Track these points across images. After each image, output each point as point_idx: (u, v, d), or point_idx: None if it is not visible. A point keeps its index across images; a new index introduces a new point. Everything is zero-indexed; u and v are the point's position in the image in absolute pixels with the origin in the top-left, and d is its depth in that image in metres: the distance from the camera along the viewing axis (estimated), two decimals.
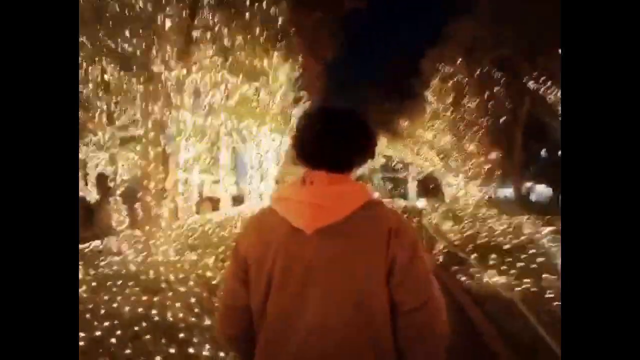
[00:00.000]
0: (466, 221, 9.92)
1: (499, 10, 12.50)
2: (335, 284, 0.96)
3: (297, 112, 22.20)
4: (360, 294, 0.96)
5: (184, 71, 5.80)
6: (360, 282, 0.96)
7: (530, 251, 5.86)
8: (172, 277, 4.07)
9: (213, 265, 4.91)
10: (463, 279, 5.57)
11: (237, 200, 20.35)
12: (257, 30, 7.46)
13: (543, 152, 25.08)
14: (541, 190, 25.40)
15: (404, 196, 27.83)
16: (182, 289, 3.78)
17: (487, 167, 15.63)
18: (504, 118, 14.97)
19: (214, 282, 4.23)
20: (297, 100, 25.57)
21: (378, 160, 28.76)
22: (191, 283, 4.00)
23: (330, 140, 1.02)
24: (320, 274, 0.96)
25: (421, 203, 13.35)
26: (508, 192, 22.57)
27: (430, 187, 32.12)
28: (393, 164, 27.93)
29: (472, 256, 6.30)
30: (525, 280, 4.57)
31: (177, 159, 10.00)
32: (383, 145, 24.39)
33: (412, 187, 29.16)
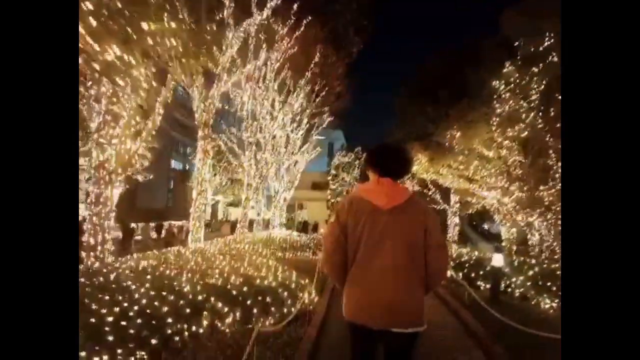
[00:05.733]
0: None
1: None
2: (399, 238, 2.03)
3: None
4: (411, 243, 2.04)
5: None
6: (411, 237, 2.04)
7: None
8: None
9: None
10: None
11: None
12: None
13: None
14: None
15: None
16: None
17: None
18: None
19: None
20: (316, 115, 20.50)
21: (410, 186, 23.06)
22: None
23: (392, 163, 2.18)
24: (390, 233, 2.03)
25: (498, 261, 7.15)
26: None
27: (474, 224, 25.76)
28: (430, 193, 22.09)
29: None
30: None
31: None
32: (421, 167, 18.53)
33: (451, 224, 23.03)
